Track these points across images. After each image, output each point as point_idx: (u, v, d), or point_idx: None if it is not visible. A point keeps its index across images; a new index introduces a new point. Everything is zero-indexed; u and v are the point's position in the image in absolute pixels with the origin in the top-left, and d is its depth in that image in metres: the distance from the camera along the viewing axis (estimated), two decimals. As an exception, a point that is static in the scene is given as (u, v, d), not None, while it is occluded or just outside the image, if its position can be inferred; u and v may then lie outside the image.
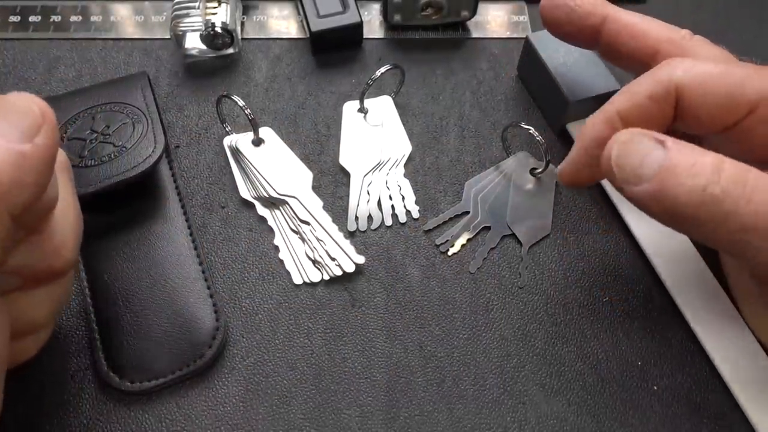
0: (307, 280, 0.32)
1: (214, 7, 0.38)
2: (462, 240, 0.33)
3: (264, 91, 0.39)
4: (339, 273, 0.32)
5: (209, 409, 0.28)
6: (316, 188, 0.35)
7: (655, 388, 0.29)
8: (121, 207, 0.33)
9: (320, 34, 0.39)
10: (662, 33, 0.29)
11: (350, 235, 0.33)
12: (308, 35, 0.40)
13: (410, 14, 0.41)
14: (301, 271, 0.32)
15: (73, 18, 0.42)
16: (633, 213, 0.33)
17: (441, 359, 0.30)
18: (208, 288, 0.31)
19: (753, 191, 0.22)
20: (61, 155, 0.27)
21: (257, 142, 0.36)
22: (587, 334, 0.31)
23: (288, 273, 0.32)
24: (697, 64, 0.25)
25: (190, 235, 0.32)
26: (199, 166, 0.36)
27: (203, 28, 0.38)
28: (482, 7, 0.42)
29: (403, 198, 0.35)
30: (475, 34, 0.42)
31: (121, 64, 0.40)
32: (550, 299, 0.32)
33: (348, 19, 0.39)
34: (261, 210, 0.34)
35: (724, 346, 0.29)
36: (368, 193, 0.35)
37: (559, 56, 0.36)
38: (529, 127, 0.33)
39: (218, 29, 0.38)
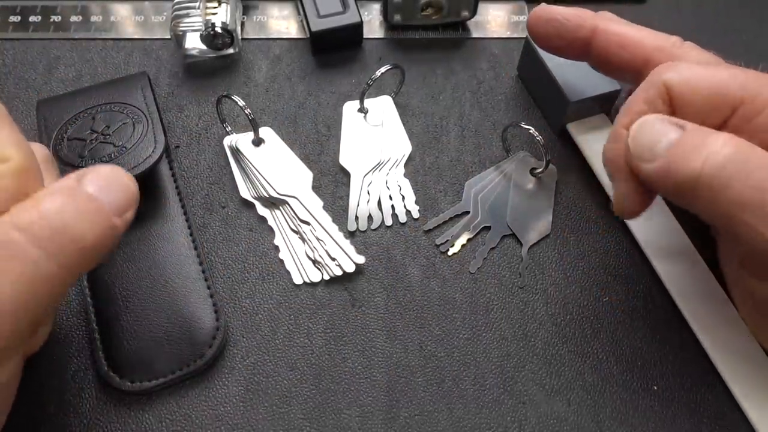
0: (308, 280, 0.32)
1: (214, 7, 0.38)
2: (462, 240, 0.33)
3: (264, 91, 0.39)
4: (339, 273, 0.32)
5: (209, 409, 0.28)
6: (316, 188, 0.35)
7: (655, 388, 0.29)
8: (121, 207, 0.33)
9: (320, 34, 0.39)
10: (652, 41, 0.29)
11: (350, 235, 0.33)
12: (308, 35, 0.40)
13: (410, 14, 0.41)
14: (301, 271, 0.32)
15: (73, 18, 0.42)
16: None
17: (441, 359, 0.30)
18: (208, 288, 0.31)
19: (754, 167, 0.22)
20: (44, 151, 0.26)
21: (257, 142, 0.36)
22: (587, 334, 0.31)
23: (288, 273, 0.32)
24: (685, 65, 0.26)
25: (190, 235, 0.32)
26: (199, 166, 0.36)
27: (203, 28, 0.38)
28: (482, 7, 0.42)
29: (403, 198, 0.35)
30: (475, 34, 0.42)
31: (121, 64, 0.40)
32: (550, 299, 0.32)
33: (348, 19, 0.39)
34: (261, 210, 0.34)
35: (724, 346, 0.29)
36: (368, 193, 0.35)
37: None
38: (529, 127, 0.33)
39: (218, 29, 0.38)
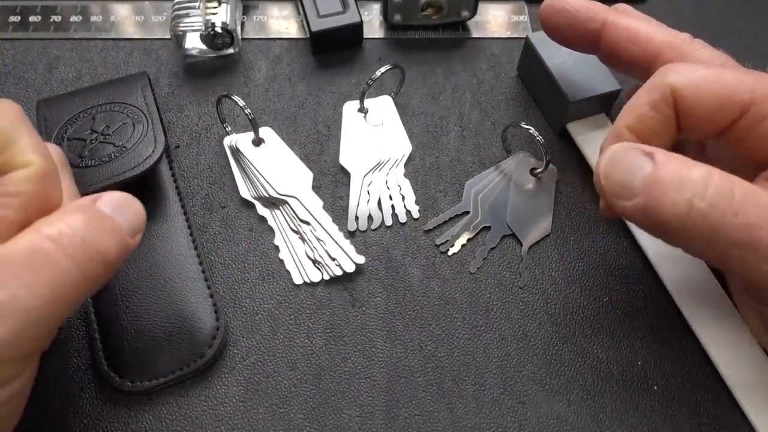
0: (308, 280, 0.32)
1: (214, 7, 0.38)
2: (462, 240, 0.33)
3: (264, 91, 0.39)
4: (339, 273, 0.32)
5: (209, 409, 0.28)
6: (316, 188, 0.35)
7: (655, 388, 0.29)
8: (121, 207, 0.33)
9: (320, 34, 0.39)
10: (662, 37, 0.28)
11: (350, 235, 0.33)
12: (308, 35, 0.40)
13: (410, 14, 0.41)
14: (301, 270, 0.32)
15: (73, 18, 0.42)
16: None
17: (441, 359, 0.30)
18: (208, 288, 0.31)
19: (740, 204, 0.22)
20: (59, 152, 0.27)
21: (257, 142, 0.36)
22: (587, 334, 0.31)
23: (288, 273, 0.32)
24: (690, 67, 0.26)
25: (190, 235, 0.32)
26: (199, 166, 0.36)
27: (203, 28, 0.38)
28: (482, 7, 0.42)
29: (403, 198, 0.35)
30: (475, 34, 0.42)
31: (121, 64, 0.40)
32: (550, 299, 0.32)
33: (348, 19, 0.39)
34: (261, 210, 0.34)
35: (724, 346, 0.29)
36: (368, 193, 0.35)
37: (559, 56, 0.36)
38: (529, 127, 0.33)
39: (218, 29, 0.38)
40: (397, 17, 0.41)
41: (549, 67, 0.35)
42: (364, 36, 0.41)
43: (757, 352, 0.29)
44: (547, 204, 0.34)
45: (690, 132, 0.26)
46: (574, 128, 0.36)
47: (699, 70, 0.25)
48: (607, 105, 0.36)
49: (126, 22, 0.42)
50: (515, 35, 0.42)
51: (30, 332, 0.20)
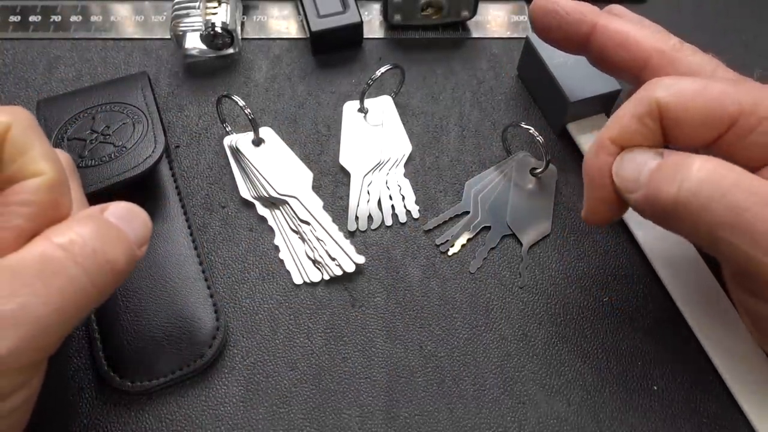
0: (308, 280, 0.32)
1: (214, 7, 0.38)
2: (462, 240, 0.33)
3: (264, 91, 0.39)
4: (339, 273, 0.32)
5: (209, 409, 0.28)
6: (316, 188, 0.35)
7: (655, 388, 0.29)
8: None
9: (320, 34, 0.39)
10: (652, 43, 0.28)
11: (350, 235, 0.33)
12: (308, 35, 0.40)
13: (410, 14, 0.41)
14: (301, 271, 0.32)
15: (73, 18, 0.42)
16: (633, 213, 0.33)
17: (441, 359, 0.30)
18: (208, 288, 0.31)
19: (730, 186, 0.22)
20: (67, 158, 0.27)
21: (257, 142, 0.36)
22: (587, 334, 0.31)
23: (288, 273, 0.32)
24: (677, 81, 0.26)
25: (190, 235, 0.32)
26: (199, 166, 0.36)
27: (203, 28, 0.38)
28: (482, 7, 0.42)
29: (403, 198, 0.35)
30: (475, 34, 0.42)
31: (121, 64, 0.40)
32: (550, 299, 0.32)
33: (348, 19, 0.39)
34: (261, 210, 0.34)
35: (724, 346, 0.29)
36: (368, 193, 0.35)
37: (559, 56, 0.35)
38: (529, 127, 0.33)
39: (218, 29, 0.38)
40: (397, 17, 0.41)
41: (549, 67, 0.35)
42: (364, 36, 0.41)
43: (757, 352, 0.29)
44: (547, 204, 0.34)
45: (677, 144, 0.26)
46: (574, 128, 0.36)
47: (685, 83, 0.25)
48: (607, 105, 0.36)
49: (126, 22, 0.42)
50: (515, 35, 0.42)
51: (40, 341, 0.20)
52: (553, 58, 0.35)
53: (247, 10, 0.43)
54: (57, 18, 0.42)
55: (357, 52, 0.41)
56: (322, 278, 0.32)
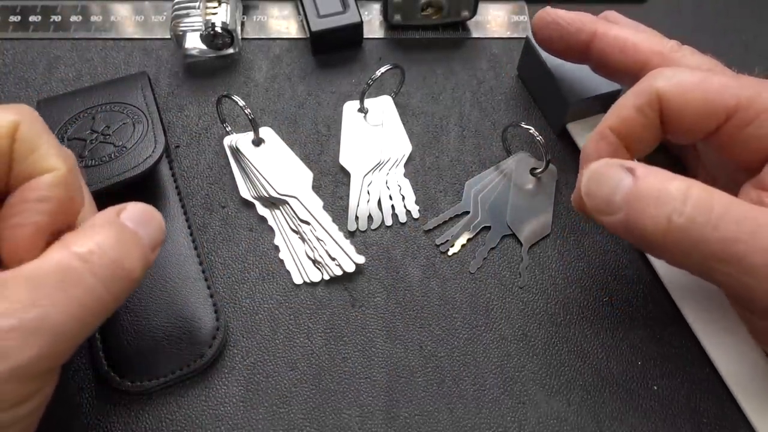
0: (308, 280, 0.32)
1: (214, 7, 0.38)
2: (462, 240, 0.33)
3: (264, 91, 0.39)
4: (339, 273, 0.32)
5: (209, 409, 0.28)
6: (316, 188, 0.35)
7: (655, 388, 0.29)
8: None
9: (320, 34, 0.39)
10: (650, 46, 0.29)
11: (350, 234, 0.33)
12: (308, 35, 0.40)
13: (410, 14, 0.41)
14: (301, 270, 0.32)
15: (73, 18, 0.42)
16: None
17: (441, 359, 0.30)
18: (209, 288, 0.31)
19: (719, 218, 0.22)
20: (71, 154, 0.27)
21: (257, 142, 0.36)
22: (587, 334, 0.31)
23: (288, 273, 0.32)
24: (677, 72, 0.26)
25: (190, 235, 0.32)
26: (199, 166, 0.36)
27: (203, 28, 0.38)
28: (482, 7, 0.42)
29: (403, 198, 0.35)
30: (475, 34, 0.42)
31: (121, 64, 0.40)
32: (550, 299, 0.32)
33: (348, 19, 0.39)
34: (261, 210, 0.34)
35: (724, 347, 0.29)
36: (368, 193, 0.35)
37: (559, 56, 0.36)
38: (529, 127, 0.33)
39: (218, 29, 0.38)
40: (397, 17, 0.41)
41: (549, 67, 0.35)
42: (364, 36, 0.41)
43: (757, 352, 0.29)
44: (547, 204, 0.34)
45: (675, 135, 0.27)
46: (574, 128, 0.36)
47: (685, 74, 0.26)
48: (607, 105, 0.35)
49: (126, 22, 0.42)
50: (515, 35, 0.42)
51: (58, 349, 0.21)
52: (553, 58, 0.35)
53: (247, 10, 0.43)
54: (57, 18, 0.42)
55: (357, 52, 0.41)
56: (322, 278, 0.32)
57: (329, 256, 0.32)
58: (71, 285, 0.21)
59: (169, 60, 0.40)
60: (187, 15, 0.38)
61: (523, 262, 0.33)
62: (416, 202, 0.35)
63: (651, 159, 0.28)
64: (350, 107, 0.38)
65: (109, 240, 0.22)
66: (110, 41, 0.41)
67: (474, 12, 0.41)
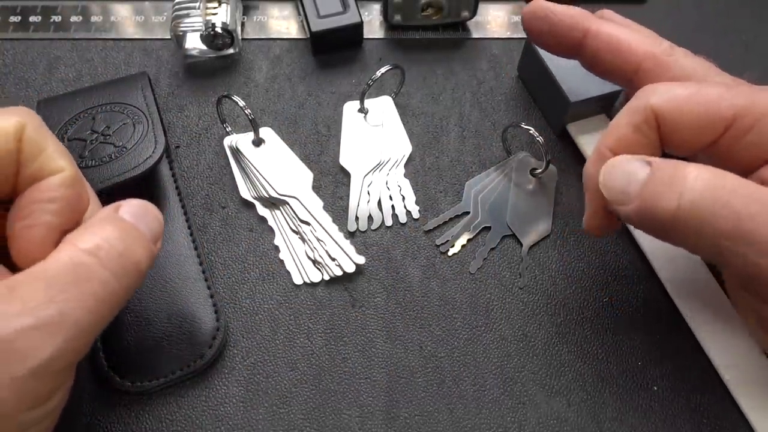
0: (308, 281, 0.32)
1: (215, 8, 0.38)
2: (462, 240, 0.33)
3: (264, 92, 0.39)
4: (339, 273, 0.32)
5: (209, 409, 0.28)
6: (317, 188, 0.35)
7: (655, 388, 0.29)
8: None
9: (320, 34, 0.39)
10: (643, 48, 0.28)
11: (350, 235, 0.33)
12: (308, 35, 0.40)
13: (410, 14, 0.41)
14: (301, 271, 0.32)
15: (74, 18, 0.42)
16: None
17: (441, 359, 0.30)
18: (209, 288, 0.31)
19: (729, 195, 0.22)
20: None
21: (257, 142, 0.36)
22: (587, 334, 0.31)
23: (288, 273, 0.32)
24: (671, 87, 0.26)
25: (191, 235, 0.32)
26: (199, 166, 0.36)
27: (203, 29, 0.38)
28: (482, 7, 0.42)
29: (404, 198, 0.35)
30: (475, 34, 0.42)
31: (121, 64, 0.40)
32: (550, 299, 0.32)
33: (348, 19, 0.39)
34: (261, 210, 0.34)
35: (724, 347, 0.29)
36: (368, 193, 0.35)
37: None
38: (529, 128, 0.33)
39: (218, 29, 0.38)
40: (397, 17, 0.41)
41: (549, 67, 0.35)
42: (364, 36, 0.41)
43: (757, 352, 0.29)
44: (547, 204, 0.34)
45: (674, 150, 0.26)
46: (574, 128, 0.36)
47: (680, 90, 0.25)
48: (607, 105, 0.36)
49: (126, 22, 0.42)
50: (515, 35, 0.42)
51: (78, 344, 0.21)
52: (553, 58, 0.35)
53: (247, 10, 0.43)
54: (57, 18, 0.42)
55: (357, 53, 0.41)
56: (322, 278, 0.32)
57: (329, 256, 0.32)
58: (84, 280, 0.21)
59: (169, 60, 0.40)
60: (188, 15, 0.38)
61: (523, 263, 0.33)
62: (416, 203, 0.35)
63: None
64: (350, 107, 0.38)
65: (113, 234, 0.23)
66: (110, 41, 0.41)
67: (474, 12, 0.41)
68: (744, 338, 0.29)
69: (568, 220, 0.34)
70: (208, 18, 0.38)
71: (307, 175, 0.35)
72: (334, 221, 0.33)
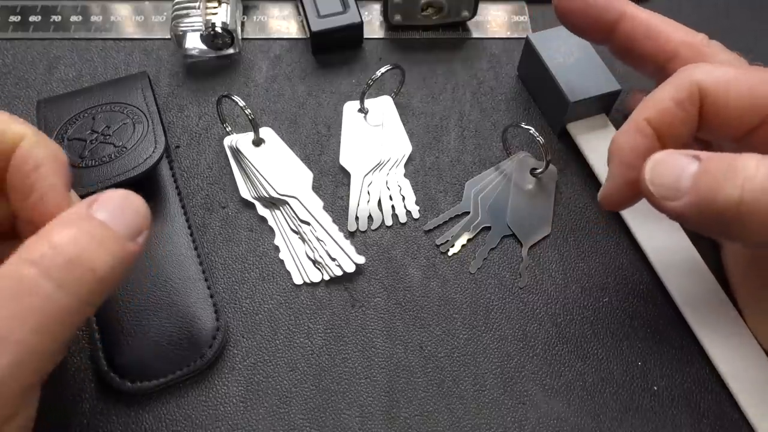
0: (308, 281, 0.32)
1: (215, 7, 0.38)
2: (462, 240, 0.33)
3: (264, 92, 0.39)
4: (339, 273, 0.32)
5: (209, 409, 0.28)
6: (317, 188, 0.35)
7: (655, 388, 0.29)
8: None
9: (320, 34, 0.39)
10: (680, 36, 0.28)
11: (350, 235, 0.33)
12: (308, 35, 0.40)
13: (411, 14, 0.41)
14: (301, 271, 0.32)
15: (73, 18, 0.42)
16: (633, 213, 0.33)
17: (441, 359, 0.30)
18: (209, 288, 0.31)
19: None
20: (59, 149, 0.27)
21: (257, 142, 0.36)
22: (587, 334, 0.31)
23: (288, 273, 0.32)
24: (716, 67, 0.25)
25: (191, 235, 0.32)
26: (199, 166, 0.36)
27: (203, 28, 0.38)
28: (482, 7, 0.42)
29: (404, 198, 0.35)
30: (475, 34, 0.42)
31: (121, 64, 0.40)
32: (550, 299, 0.32)
33: (348, 19, 0.39)
34: (261, 210, 0.34)
35: (724, 346, 0.29)
36: (368, 193, 0.35)
37: (559, 56, 0.36)
38: (529, 127, 0.33)
39: (218, 29, 0.38)
40: (398, 17, 0.41)
41: (549, 67, 0.35)
42: (365, 36, 0.41)
43: (757, 352, 0.29)
44: (547, 204, 0.34)
45: (712, 132, 0.26)
46: (574, 128, 0.36)
47: (726, 70, 0.25)
48: (607, 105, 0.36)
49: (126, 22, 0.42)
50: (515, 35, 0.42)
51: (28, 365, 0.19)
52: (553, 58, 0.36)
53: (247, 10, 0.43)
54: (57, 18, 0.42)
55: (357, 52, 0.41)
56: (322, 278, 0.32)
57: (329, 256, 0.32)
58: (26, 295, 0.19)
59: (169, 60, 0.40)
60: (188, 15, 0.38)
61: (523, 263, 0.33)
62: (416, 203, 0.35)
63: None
64: (350, 107, 0.38)
65: (66, 239, 0.20)
66: (110, 41, 0.41)
67: (474, 12, 0.41)
68: (745, 337, 0.29)
69: (568, 220, 0.34)
70: (208, 18, 0.38)
71: (307, 175, 0.35)
72: (334, 221, 0.33)
